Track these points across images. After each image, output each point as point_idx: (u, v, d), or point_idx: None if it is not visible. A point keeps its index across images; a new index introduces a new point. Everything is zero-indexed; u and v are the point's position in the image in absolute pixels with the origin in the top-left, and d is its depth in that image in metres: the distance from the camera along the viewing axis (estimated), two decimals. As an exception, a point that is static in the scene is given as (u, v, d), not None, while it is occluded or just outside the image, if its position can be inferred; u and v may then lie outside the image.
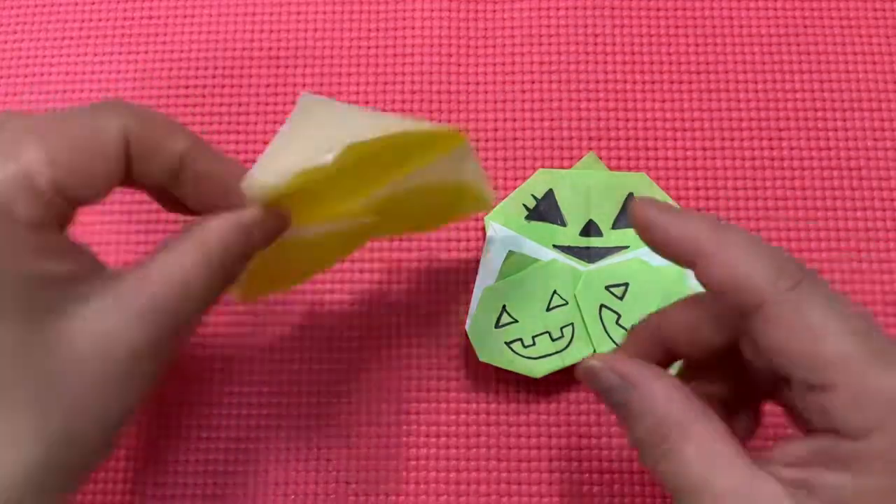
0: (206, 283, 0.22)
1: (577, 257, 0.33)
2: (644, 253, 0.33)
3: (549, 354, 0.32)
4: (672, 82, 0.36)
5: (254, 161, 0.24)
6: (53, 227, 0.21)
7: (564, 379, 0.32)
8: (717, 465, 0.20)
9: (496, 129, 0.36)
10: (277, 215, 0.24)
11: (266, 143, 0.36)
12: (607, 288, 0.33)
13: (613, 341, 0.32)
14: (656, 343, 0.24)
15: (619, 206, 0.34)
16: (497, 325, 0.32)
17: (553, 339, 0.32)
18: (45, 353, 0.19)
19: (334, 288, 0.34)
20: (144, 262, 0.22)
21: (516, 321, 0.32)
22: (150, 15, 0.38)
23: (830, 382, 0.19)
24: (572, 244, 0.34)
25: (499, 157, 0.36)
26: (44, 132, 0.21)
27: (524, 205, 0.34)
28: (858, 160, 0.36)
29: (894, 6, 0.37)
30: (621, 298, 0.32)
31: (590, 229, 0.34)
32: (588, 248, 0.33)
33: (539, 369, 0.32)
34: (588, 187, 0.34)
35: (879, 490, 0.19)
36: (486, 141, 0.36)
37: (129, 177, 0.23)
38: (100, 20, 0.38)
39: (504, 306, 0.32)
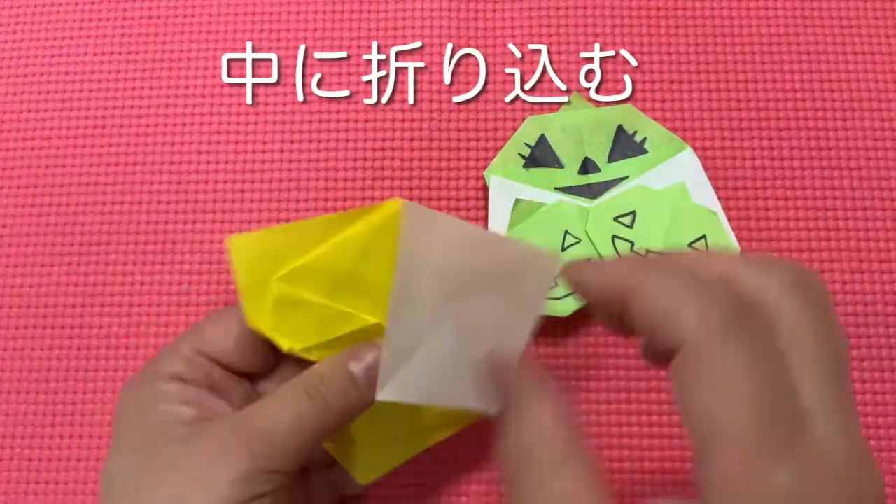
0: (300, 415, 0.24)
1: (581, 195, 0.34)
2: (645, 179, 0.34)
3: (573, 292, 0.32)
4: (672, 82, 0.36)
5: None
6: (196, 385, 0.26)
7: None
8: None
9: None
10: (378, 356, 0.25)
11: (264, 152, 0.36)
12: (616, 219, 0.33)
13: None
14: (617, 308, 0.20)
15: (612, 139, 0.35)
16: None
17: None
18: (150, 467, 0.24)
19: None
20: (257, 402, 0.25)
21: None
22: (150, 15, 0.38)
23: (712, 458, 0.16)
24: (573, 184, 0.34)
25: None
26: (202, 324, 0.27)
27: (519, 154, 0.35)
28: (858, 160, 0.36)
29: (894, 6, 0.37)
30: (631, 227, 0.33)
31: (587, 166, 0.34)
32: (589, 184, 0.34)
33: (566, 308, 0.32)
34: (578, 126, 0.35)
35: None
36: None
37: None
38: (100, 20, 0.38)
39: None
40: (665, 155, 0.34)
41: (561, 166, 0.34)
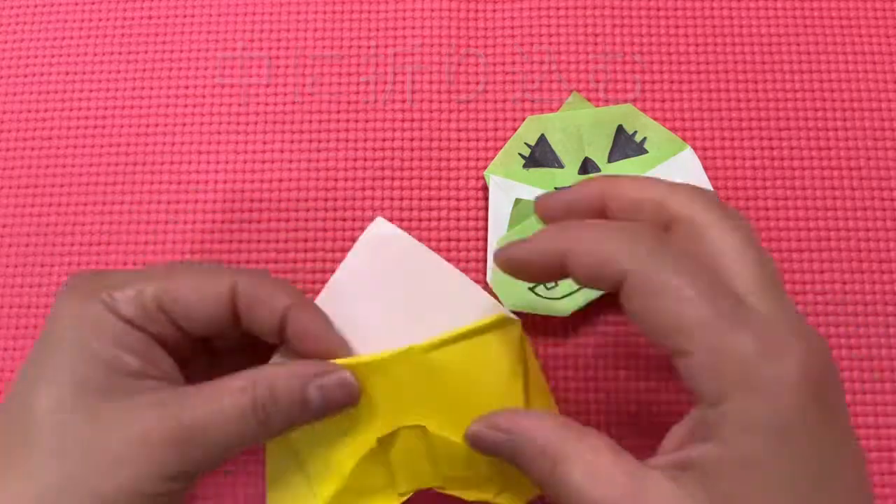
0: (241, 428, 0.23)
1: None
2: None
3: (572, 292, 0.33)
4: (672, 82, 0.36)
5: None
6: (147, 333, 0.24)
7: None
8: (600, 481, 0.20)
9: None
10: (344, 383, 0.25)
11: (271, 148, 0.36)
12: None
13: None
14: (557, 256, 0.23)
15: (612, 139, 0.35)
16: None
17: None
18: (83, 421, 0.22)
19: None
20: (199, 386, 0.24)
21: None
22: (150, 15, 0.38)
23: (687, 348, 0.19)
24: (573, 183, 0.34)
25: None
26: (169, 272, 0.25)
27: (519, 154, 0.35)
28: (858, 160, 0.36)
29: (894, 6, 0.37)
30: None
31: (587, 166, 0.34)
32: None
33: (565, 308, 0.33)
34: (578, 126, 0.35)
35: (733, 461, 0.19)
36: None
37: (238, 326, 0.26)
38: (100, 20, 0.38)
39: None
40: (665, 155, 0.34)
41: (561, 166, 0.34)
